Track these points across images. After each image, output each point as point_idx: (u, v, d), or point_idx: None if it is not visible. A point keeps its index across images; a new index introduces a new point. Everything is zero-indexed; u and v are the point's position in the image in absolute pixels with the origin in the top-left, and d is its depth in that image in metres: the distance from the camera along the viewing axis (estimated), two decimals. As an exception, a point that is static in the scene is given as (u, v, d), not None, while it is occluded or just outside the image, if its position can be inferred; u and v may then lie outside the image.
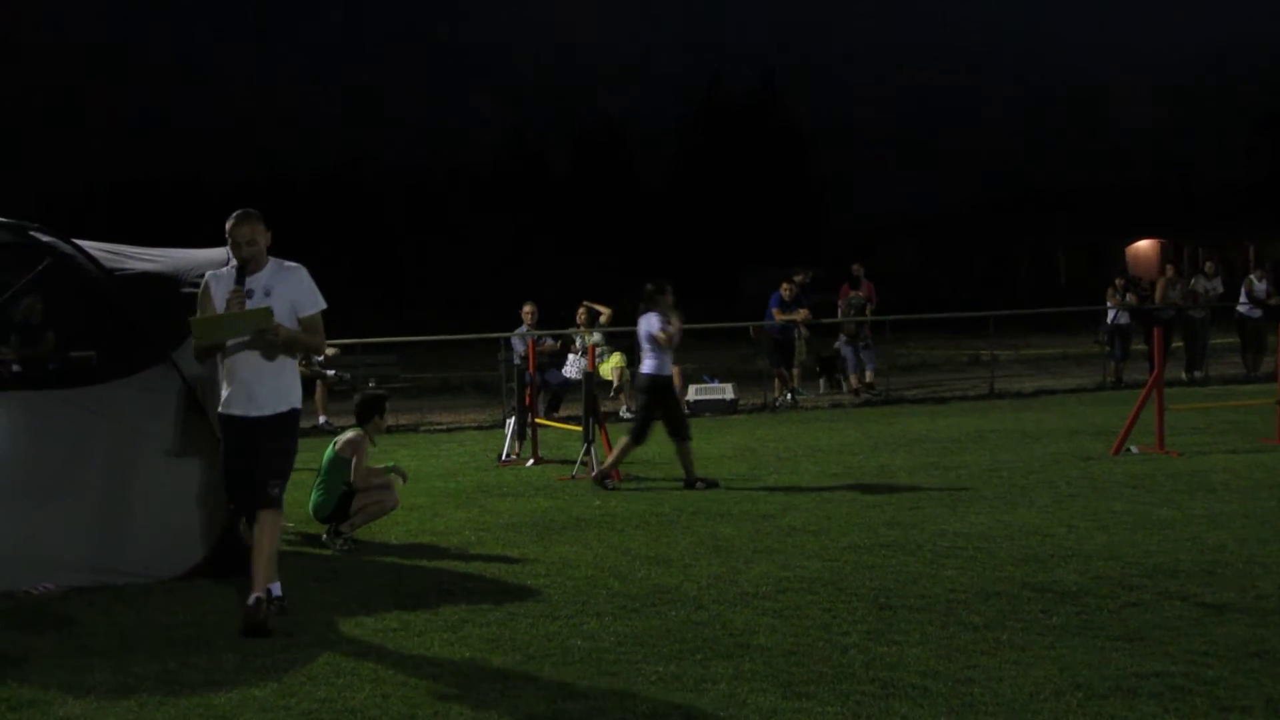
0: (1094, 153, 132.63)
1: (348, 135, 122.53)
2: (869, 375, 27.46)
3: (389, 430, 12.72)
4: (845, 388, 27.98)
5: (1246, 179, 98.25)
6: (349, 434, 12.74)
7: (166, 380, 10.94)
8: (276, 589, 9.57)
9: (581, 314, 24.46)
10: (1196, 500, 13.61)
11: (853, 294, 28.24)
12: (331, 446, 12.71)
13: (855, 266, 28.83)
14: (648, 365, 15.83)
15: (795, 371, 26.95)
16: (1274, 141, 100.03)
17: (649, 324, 15.74)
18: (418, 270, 79.51)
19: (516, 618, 9.40)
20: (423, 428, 23.01)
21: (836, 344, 28.00)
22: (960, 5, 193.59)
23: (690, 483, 15.50)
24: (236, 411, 9.56)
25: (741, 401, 25.05)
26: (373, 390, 13.77)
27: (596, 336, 23.93)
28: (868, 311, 27.58)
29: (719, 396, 24.87)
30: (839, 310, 28.40)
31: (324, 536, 12.36)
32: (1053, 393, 26.65)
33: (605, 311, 24.24)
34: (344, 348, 24.42)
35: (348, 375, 23.75)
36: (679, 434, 15.77)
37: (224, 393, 9.66)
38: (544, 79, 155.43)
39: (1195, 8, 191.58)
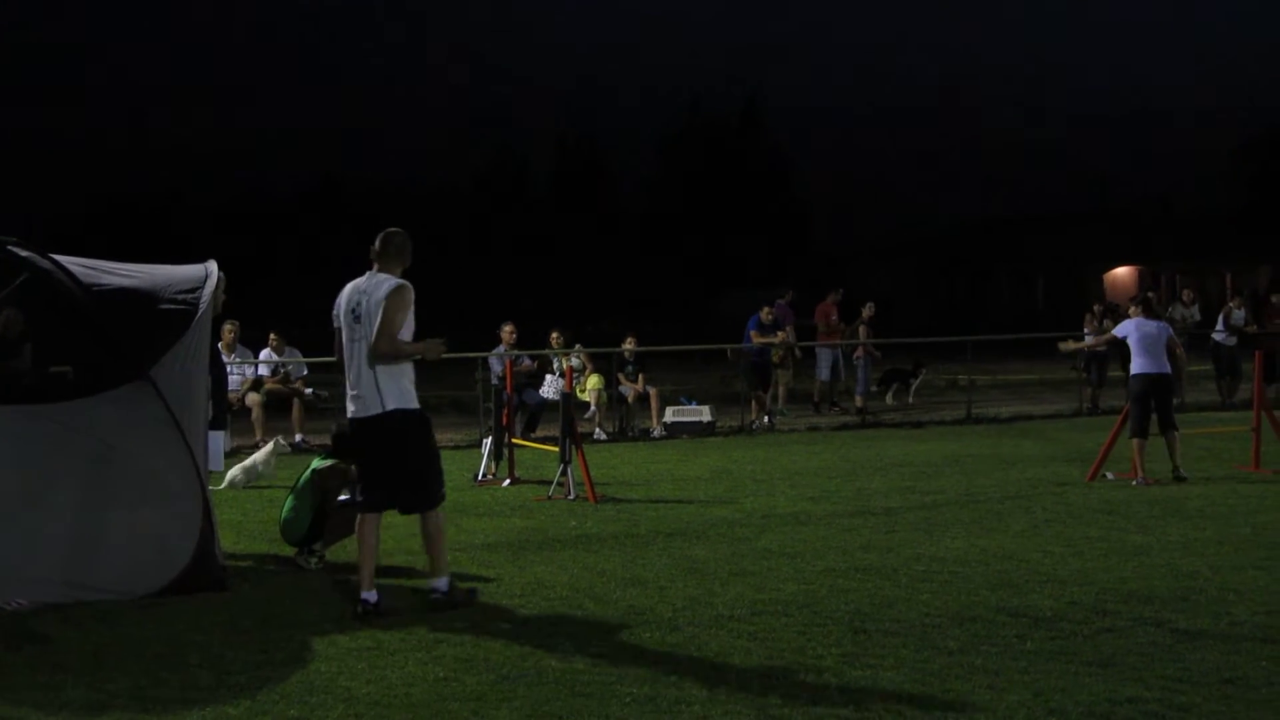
0: (1074, 180, 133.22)
1: (329, 152, 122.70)
2: (858, 400, 27.61)
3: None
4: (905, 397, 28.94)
5: (1225, 207, 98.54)
6: (329, 465, 12.66)
7: (143, 396, 10.92)
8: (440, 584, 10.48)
9: (556, 338, 24.56)
10: (1171, 526, 13.65)
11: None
12: (309, 471, 12.67)
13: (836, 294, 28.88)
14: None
15: (775, 393, 26.99)
16: (1251, 170, 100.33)
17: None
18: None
19: (491, 638, 9.39)
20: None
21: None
22: (943, 33, 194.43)
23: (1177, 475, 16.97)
24: None
25: (719, 424, 25.04)
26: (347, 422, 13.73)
27: (575, 360, 23.94)
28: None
29: (696, 419, 24.84)
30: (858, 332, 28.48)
31: (296, 556, 12.31)
32: (1030, 418, 26.66)
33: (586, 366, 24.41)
34: (322, 366, 24.38)
35: (325, 394, 23.70)
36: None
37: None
38: (525, 97, 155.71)
39: (1174, 40, 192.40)
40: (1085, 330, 28.97)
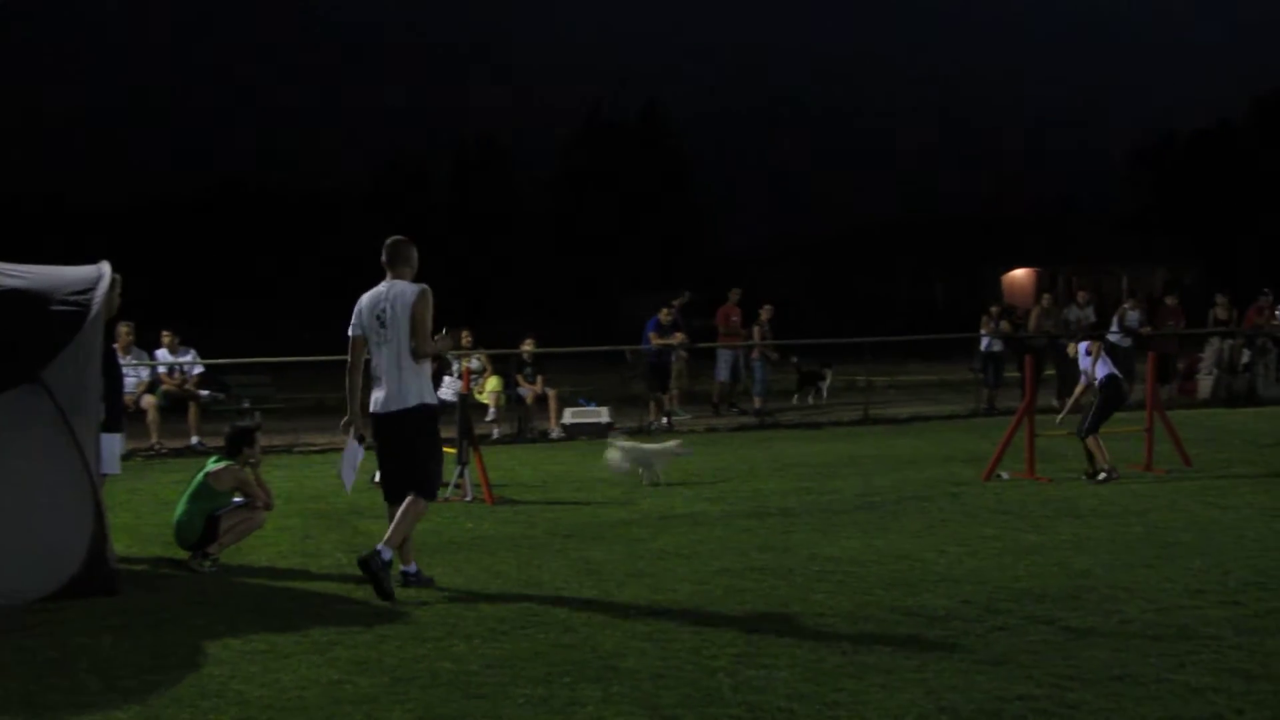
0: (974, 183, 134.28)
1: (225, 155, 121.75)
2: (756, 401, 27.71)
3: (251, 463, 12.60)
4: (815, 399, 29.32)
5: (1123, 211, 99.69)
6: (222, 466, 12.59)
7: (34, 399, 10.78)
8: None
9: (467, 337, 24.50)
10: (1064, 526, 13.78)
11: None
12: (203, 473, 12.57)
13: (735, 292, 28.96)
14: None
15: (672, 395, 27.03)
16: (1148, 174, 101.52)
17: None
18: (295, 290, 78.88)
19: (385, 640, 9.35)
20: (297, 449, 22.81)
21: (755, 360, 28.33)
22: (839, 39, 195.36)
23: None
24: None
25: (617, 425, 25.03)
26: (242, 424, 13.63)
27: (474, 362, 23.85)
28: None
29: (594, 420, 24.85)
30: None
31: (189, 559, 12.20)
32: (927, 419, 26.82)
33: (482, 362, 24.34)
34: (218, 368, 24.19)
35: (221, 395, 23.53)
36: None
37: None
38: (423, 97, 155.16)
39: (1076, 44, 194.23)
40: (984, 332, 29.19)
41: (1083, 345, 17.99)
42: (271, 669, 8.63)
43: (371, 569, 10.69)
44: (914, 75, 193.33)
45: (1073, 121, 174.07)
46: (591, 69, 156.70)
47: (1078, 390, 18.34)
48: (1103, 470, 17.00)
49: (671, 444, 18.33)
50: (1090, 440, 17.20)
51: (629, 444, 18.00)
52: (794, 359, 31.09)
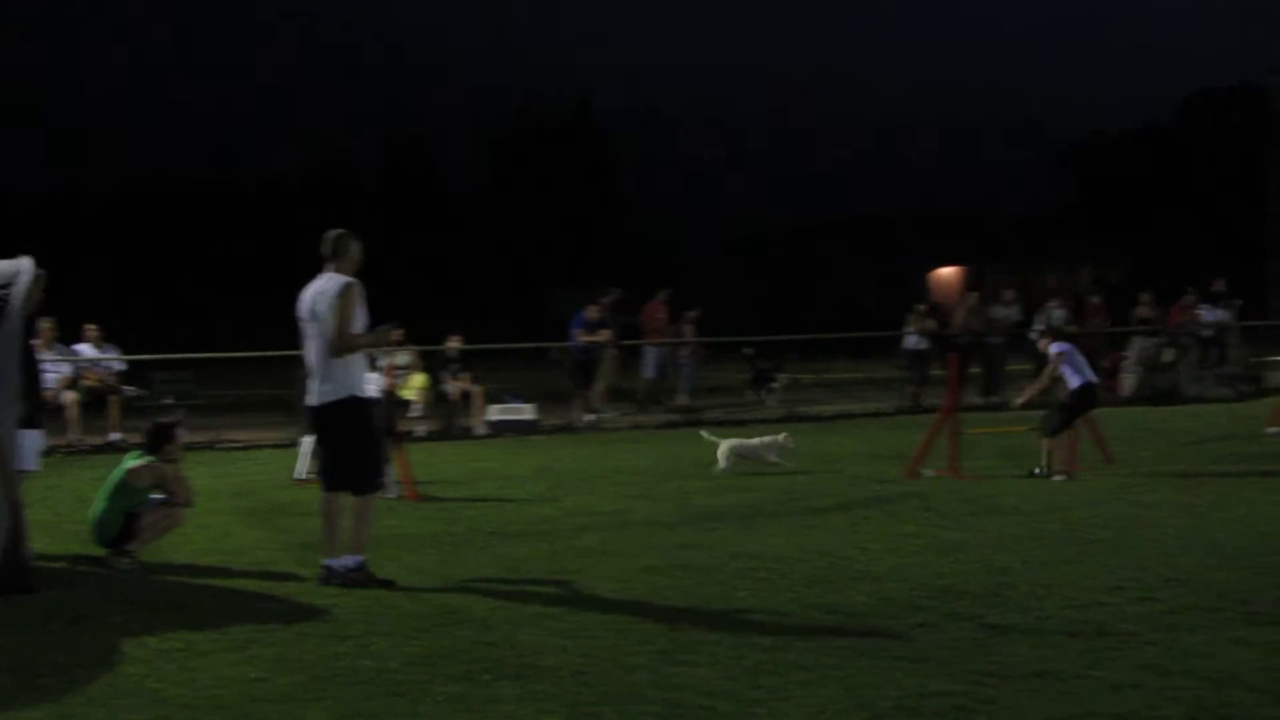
0: (903, 181, 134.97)
1: (147, 147, 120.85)
2: (682, 398, 27.78)
3: (172, 460, 12.52)
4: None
5: (1050, 210, 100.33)
6: (142, 463, 12.49)
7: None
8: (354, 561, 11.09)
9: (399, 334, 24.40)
10: (986, 523, 13.84)
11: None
12: (122, 470, 12.47)
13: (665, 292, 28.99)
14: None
15: (599, 392, 27.02)
16: (1075, 174, 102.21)
17: None
18: (220, 285, 78.34)
19: (304, 638, 9.29)
20: (219, 445, 22.68)
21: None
22: (773, 39, 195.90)
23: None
24: None
25: (543, 422, 25.03)
26: (163, 420, 13.51)
27: (401, 358, 23.77)
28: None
29: (520, 417, 24.83)
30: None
31: (108, 556, 12.10)
32: (852, 416, 26.92)
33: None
34: (142, 364, 24.04)
35: (143, 391, 23.39)
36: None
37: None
38: (354, 93, 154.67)
39: (1004, 45, 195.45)
40: (910, 329, 29.30)
41: (1054, 346, 17.96)
42: (188, 667, 8.56)
43: (360, 584, 10.90)
44: (843, 75, 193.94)
45: (1003, 122, 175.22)
46: (525, 67, 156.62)
47: (1037, 386, 18.43)
48: (1058, 475, 17.06)
49: (781, 437, 18.59)
50: (1050, 441, 17.27)
51: (734, 441, 18.49)
52: (749, 352, 30.99)
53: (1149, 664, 8.34)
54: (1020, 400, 19.24)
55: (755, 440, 18.45)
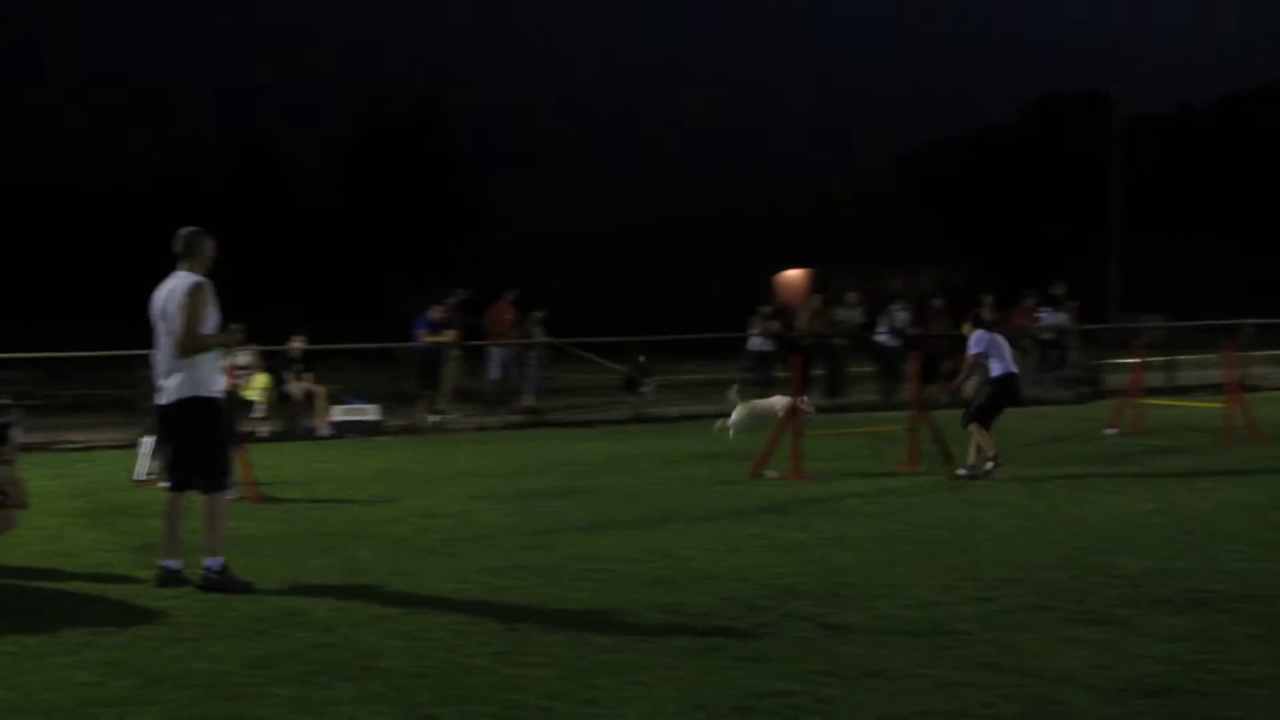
0: (749, 184, 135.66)
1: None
2: (527, 399, 27.73)
3: (6, 460, 12.26)
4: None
5: (895, 214, 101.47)
6: None
7: None
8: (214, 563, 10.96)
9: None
10: (827, 524, 13.91)
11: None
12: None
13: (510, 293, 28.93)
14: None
15: (442, 393, 26.90)
16: (921, 177, 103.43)
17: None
18: (61, 285, 77.28)
19: (140, 640, 9.17)
20: (55, 446, 22.31)
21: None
22: (624, 43, 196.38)
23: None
24: None
25: (387, 423, 24.88)
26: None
27: (243, 358, 23.50)
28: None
29: (363, 418, 24.67)
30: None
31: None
32: (697, 418, 26.96)
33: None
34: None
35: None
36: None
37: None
38: (202, 93, 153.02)
39: (854, 57, 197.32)
40: (753, 331, 29.43)
41: (977, 334, 18.03)
42: (19, 671, 8.42)
43: (214, 587, 10.79)
44: (700, 76, 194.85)
45: (848, 124, 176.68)
46: (372, 65, 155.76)
47: (963, 376, 18.56)
48: (988, 462, 17.18)
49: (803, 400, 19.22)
50: (974, 428, 17.40)
51: (750, 403, 20.09)
52: (642, 358, 30.76)
53: (984, 662, 8.42)
54: (952, 388, 19.51)
55: (771, 400, 20.25)
